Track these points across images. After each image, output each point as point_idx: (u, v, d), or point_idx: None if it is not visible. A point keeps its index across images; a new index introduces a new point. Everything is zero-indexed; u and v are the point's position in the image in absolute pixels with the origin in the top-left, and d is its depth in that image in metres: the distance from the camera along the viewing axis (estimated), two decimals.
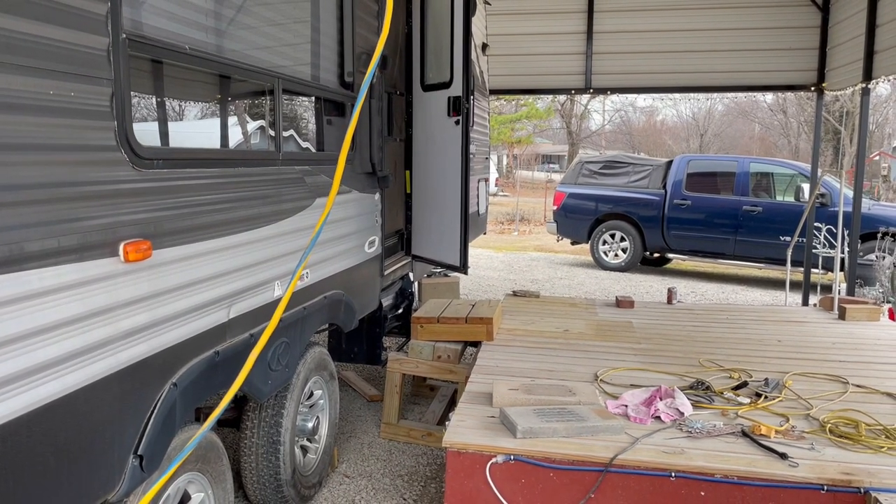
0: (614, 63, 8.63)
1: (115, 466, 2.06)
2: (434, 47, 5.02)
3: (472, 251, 13.14)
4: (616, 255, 12.04)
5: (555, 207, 12.69)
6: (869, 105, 7.50)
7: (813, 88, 8.17)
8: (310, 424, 3.72)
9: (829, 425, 3.05)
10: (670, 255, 11.97)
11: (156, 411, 2.20)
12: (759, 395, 3.46)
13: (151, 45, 2.23)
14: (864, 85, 6.73)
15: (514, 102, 32.36)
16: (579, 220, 12.25)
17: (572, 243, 12.96)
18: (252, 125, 3.68)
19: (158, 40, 2.28)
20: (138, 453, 2.12)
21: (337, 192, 3.68)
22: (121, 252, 2.01)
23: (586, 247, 12.49)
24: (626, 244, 11.89)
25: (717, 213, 10.98)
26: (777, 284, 10.81)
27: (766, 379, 3.66)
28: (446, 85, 4.77)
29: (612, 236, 12.01)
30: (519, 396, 3.28)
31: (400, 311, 5.15)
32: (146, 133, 2.52)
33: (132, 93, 2.07)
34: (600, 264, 12.14)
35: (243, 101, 3.69)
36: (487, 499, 2.80)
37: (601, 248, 12.13)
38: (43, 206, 1.74)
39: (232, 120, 3.58)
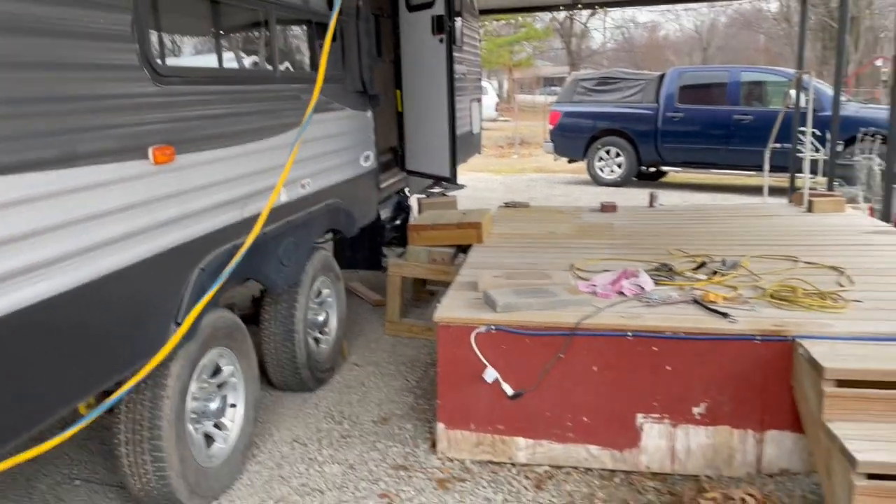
0: None
1: (161, 330, 2.53)
2: None
3: (472, 174, 13.49)
4: (612, 170, 12.35)
5: (551, 127, 12.94)
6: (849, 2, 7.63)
7: None
8: (320, 318, 4.21)
9: (770, 291, 3.50)
10: (665, 169, 12.27)
11: (189, 289, 2.66)
12: (715, 273, 3.90)
13: None
14: None
15: (512, 24, 31.91)
16: (575, 138, 12.50)
17: (569, 161, 13.24)
18: (253, 47, 4.02)
19: None
20: (178, 321, 2.59)
21: (332, 110, 4.06)
22: (150, 155, 2.42)
23: (583, 165, 12.79)
24: (621, 159, 12.18)
25: (708, 123, 11.21)
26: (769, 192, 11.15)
27: (724, 260, 4.09)
28: (430, 5, 5.05)
29: (608, 152, 12.28)
30: (501, 282, 3.73)
31: (398, 222, 5.59)
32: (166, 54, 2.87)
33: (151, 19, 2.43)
34: (597, 181, 12.46)
35: (245, 27, 4.02)
36: (473, 363, 3.28)
37: (597, 164, 12.43)
38: (85, 115, 2.14)
39: (236, 43, 3.93)
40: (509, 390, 3.28)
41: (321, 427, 3.71)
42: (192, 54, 3.73)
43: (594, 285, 3.70)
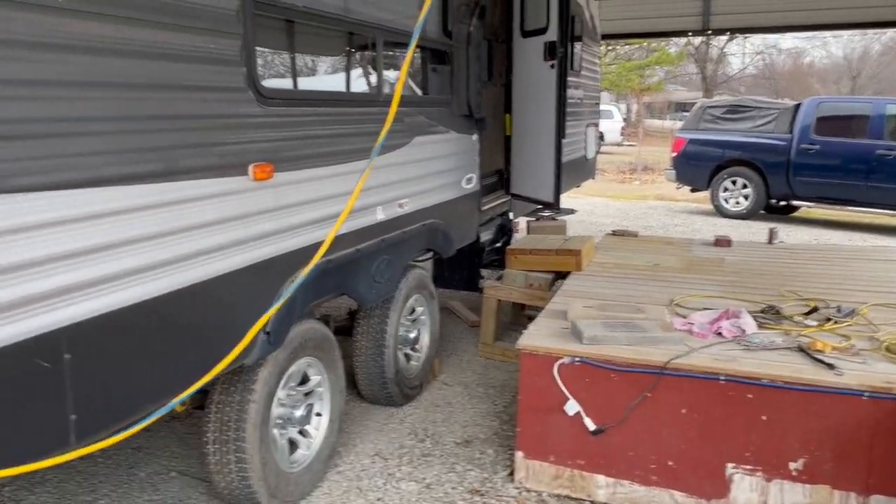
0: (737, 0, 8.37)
1: (251, 339, 2.66)
2: None
3: (588, 199, 13.28)
4: (738, 202, 11.77)
5: (674, 154, 12.53)
6: None
7: None
8: (412, 335, 4.28)
9: (886, 343, 3.20)
10: (797, 203, 11.55)
11: (280, 300, 2.79)
12: (828, 321, 3.62)
13: (272, 5, 2.75)
14: None
15: (643, 48, 31.24)
16: (699, 166, 12.02)
17: (692, 190, 12.75)
18: (359, 71, 4.19)
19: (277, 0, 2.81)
20: (267, 330, 2.72)
21: (435, 132, 4.15)
22: (250, 172, 2.58)
23: (707, 195, 12.27)
24: (748, 191, 11.59)
25: (847, 157, 10.46)
26: None
27: (839, 306, 3.79)
28: (543, 30, 5.06)
29: (734, 183, 11.72)
30: (591, 312, 3.64)
31: (499, 245, 5.59)
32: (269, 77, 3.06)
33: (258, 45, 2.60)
34: (721, 212, 11.92)
35: (350, 51, 4.19)
36: (555, 393, 3.23)
37: (722, 195, 11.89)
38: (195, 132, 2.32)
39: (341, 66, 4.12)
40: (591, 425, 3.19)
41: (404, 443, 3.76)
42: (294, 76, 3.94)
43: (691, 323, 3.54)
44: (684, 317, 3.68)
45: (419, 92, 4.45)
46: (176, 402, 2.28)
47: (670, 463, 3.13)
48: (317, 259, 2.77)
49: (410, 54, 2.68)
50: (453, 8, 4.33)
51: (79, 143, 1.92)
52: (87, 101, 1.93)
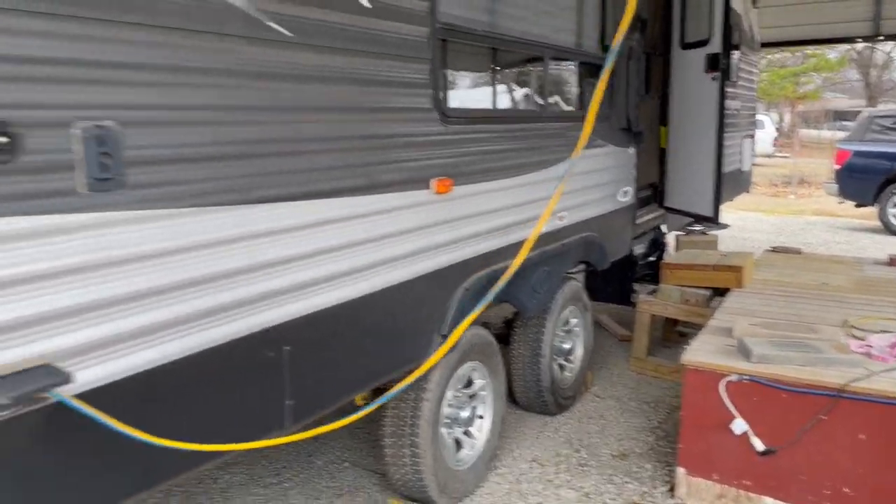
0: None
1: (427, 340, 2.86)
2: (693, 5, 5.22)
3: (739, 213, 12.70)
4: None
5: (836, 167, 11.73)
6: None
7: None
8: (566, 346, 4.35)
9: None
10: None
11: (453, 307, 2.97)
12: None
13: (455, 31, 2.95)
14: None
15: (798, 54, 29.39)
16: (865, 180, 11.19)
17: (856, 206, 11.88)
18: (524, 89, 4.34)
19: (460, 26, 3.00)
20: (442, 334, 2.91)
21: (593, 146, 4.22)
22: (432, 186, 2.78)
23: (874, 210, 11.39)
24: None
25: None
26: None
27: None
28: (704, 42, 4.98)
29: None
30: (758, 331, 3.55)
31: (652, 259, 5.54)
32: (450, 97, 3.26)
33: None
34: (889, 229, 11.03)
35: (518, 68, 4.35)
36: (720, 411, 3.18)
37: (891, 211, 11.01)
38: (386, 150, 2.54)
39: (510, 84, 4.28)
40: (760, 445, 3.12)
41: (560, 452, 3.83)
42: (470, 96, 4.15)
43: (869, 346, 3.37)
44: (861, 339, 3.50)
45: (576, 108, 4.53)
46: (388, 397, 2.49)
47: (846, 490, 3.00)
48: (517, 264, 2.95)
49: (607, 74, 2.78)
50: (613, 24, 4.38)
51: (300, 160, 2.17)
52: (307, 123, 2.19)
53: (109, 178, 1.62)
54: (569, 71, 4.41)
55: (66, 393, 1.52)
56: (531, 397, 4.11)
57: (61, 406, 1.53)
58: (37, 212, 1.51)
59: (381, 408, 3.07)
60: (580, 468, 3.66)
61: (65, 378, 1.52)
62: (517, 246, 3.45)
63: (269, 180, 2.05)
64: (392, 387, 2.75)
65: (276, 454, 3.72)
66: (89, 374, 1.63)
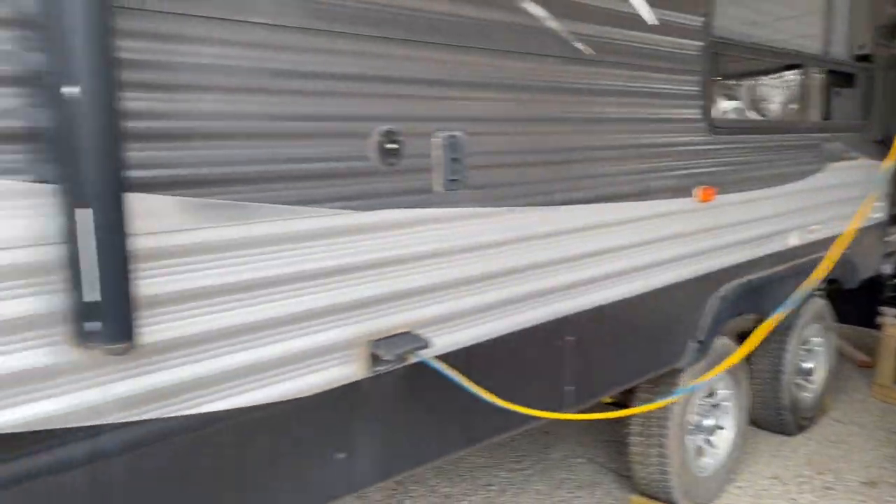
0: None
1: (683, 345, 2.94)
2: None
3: None
4: None
5: None
6: None
7: None
8: (807, 365, 4.19)
9: None
10: None
11: (708, 313, 3.03)
12: None
13: (725, 44, 3.02)
14: None
15: None
16: None
17: None
18: (781, 99, 4.26)
19: (730, 39, 3.06)
20: (697, 339, 2.98)
21: (847, 159, 4.07)
22: (695, 194, 2.86)
23: None
24: None
25: None
26: None
27: None
28: None
29: None
30: None
31: None
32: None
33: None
34: None
35: (775, 78, 4.29)
36: None
37: None
38: (658, 159, 2.67)
39: (769, 95, 4.24)
40: None
41: (801, 472, 3.71)
42: (727, 106, 4.17)
43: None
44: None
45: (832, 118, 4.36)
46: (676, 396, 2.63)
47: None
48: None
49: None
50: (867, 30, 4.18)
51: (591, 167, 2.38)
52: (598, 134, 2.39)
53: (458, 179, 1.92)
54: (822, 80, 4.27)
55: (426, 355, 1.83)
56: (769, 415, 4.01)
57: (419, 365, 1.84)
58: (407, 206, 1.83)
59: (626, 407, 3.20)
60: (825, 491, 3.53)
61: (424, 343, 1.83)
62: (771, 258, 3.43)
63: (567, 184, 2.27)
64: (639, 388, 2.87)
65: (514, 442, 3.96)
66: (441, 342, 1.94)
